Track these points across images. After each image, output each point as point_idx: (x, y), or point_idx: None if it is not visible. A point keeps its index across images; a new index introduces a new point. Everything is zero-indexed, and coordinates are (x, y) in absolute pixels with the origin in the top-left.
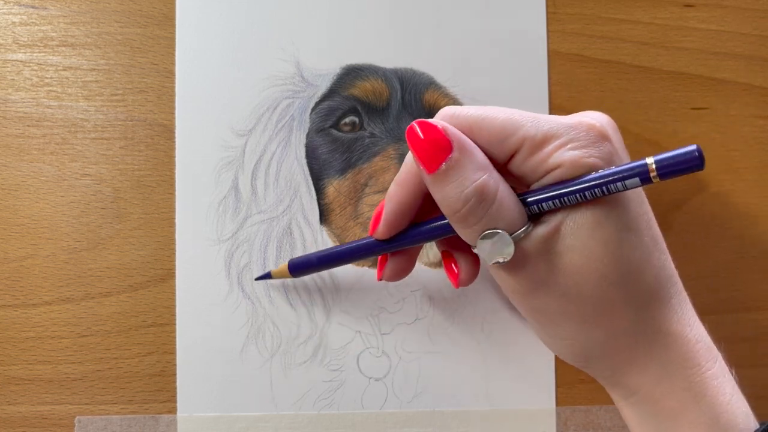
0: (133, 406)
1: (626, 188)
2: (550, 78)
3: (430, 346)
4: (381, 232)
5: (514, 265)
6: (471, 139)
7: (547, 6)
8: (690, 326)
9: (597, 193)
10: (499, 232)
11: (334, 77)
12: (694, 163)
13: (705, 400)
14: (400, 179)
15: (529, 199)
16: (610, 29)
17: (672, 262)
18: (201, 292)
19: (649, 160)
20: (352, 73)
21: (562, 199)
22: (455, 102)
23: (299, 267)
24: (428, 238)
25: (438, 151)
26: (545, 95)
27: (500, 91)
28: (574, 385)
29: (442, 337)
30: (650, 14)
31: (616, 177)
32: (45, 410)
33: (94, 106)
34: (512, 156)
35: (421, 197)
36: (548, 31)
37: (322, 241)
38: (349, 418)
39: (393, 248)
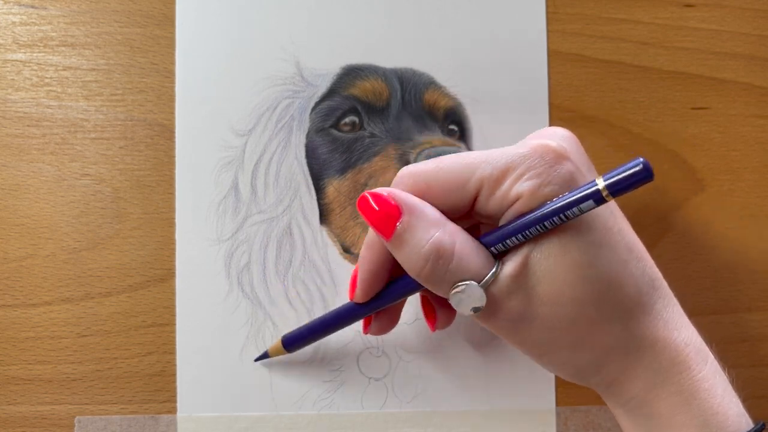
0: (132, 406)
1: (582, 212)
2: (550, 78)
3: (430, 346)
4: (359, 296)
5: (490, 310)
6: (431, 195)
7: (547, 6)
8: (677, 330)
9: (555, 221)
10: (467, 283)
11: (334, 77)
12: (641, 175)
13: (696, 402)
14: (368, 242)
15: (488, 240)
16: (610, 29)
17: (654, 266)
18: (201, 292)
19: (599, 180)
20: (352, 73)
21: (523, 233)
22: (455, 102)
23: (292, 341)
24: (405, 293)
25: (388, 218)
26: (545, 95)
27: (500, 91)
28: (574, 385)
29: (442, 337)
30: (650, 14)
31: (570, 203)
32: (45, 410)
33: (93, 106)
34: (476, 199)
35: (390, 256)
36: (548, 31)
37: (322, 241)
38: (349, 418)
39: (374, 309)
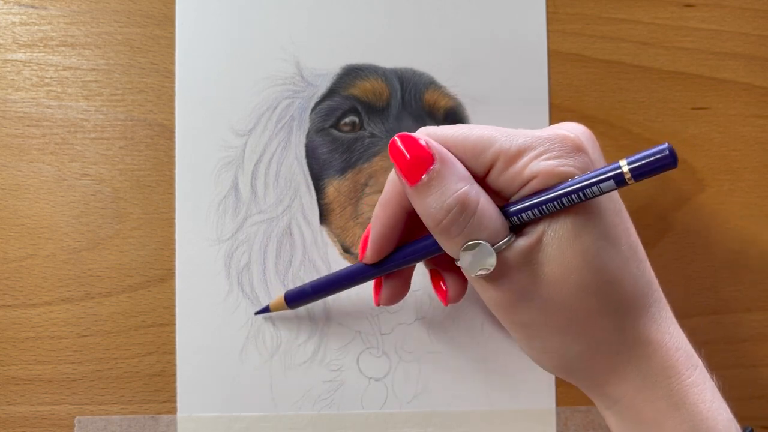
0: (132, 406)
1: (602, 192)
2: (550, 78)
3: (430, 346)
4: (369, 256)
5: (496, 276)
6: None
7: (547, 6)
8: (669, 334)
9: (574, 199)
10: (480, 243)
11: (334, 77)
12: (666, 161)
13: (685, 407)
14: (383, 200)
15: (510, 210)
16: (610, 29)
17: (651, 271)
18: (201, 292)
19: (623, 162)
20: (352, 73)
21: (540, 208)
22: (455, 102)
23: (295, 298)
24: (416, 258)
25: (419, 163)
26: (545, 95)
27: (500, 91)
28: (574, 386)
29: (442, 337)
30: (650, 14)
31: (591, 182)
32: (45, 410)
33: (93, 106)
34: (489, 171)
35: (404, 217)
36: (548, 31)
37: (322, 241)
38: (349, 418)
39: (383, 271)
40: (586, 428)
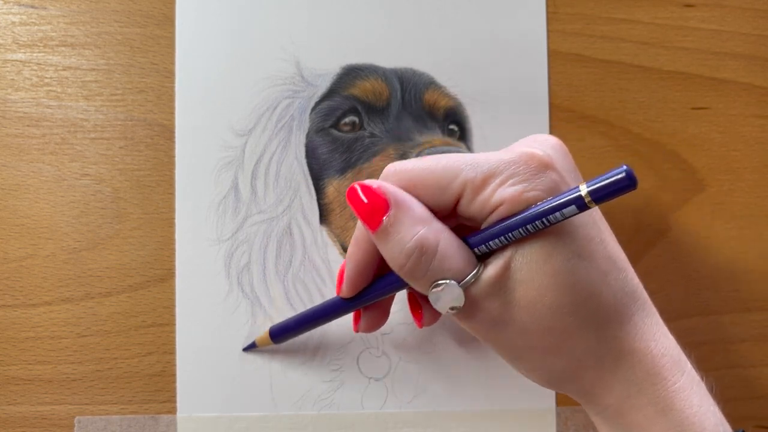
0: (132, 406)
1: (565, 217)
2: (550, 78)
3: (430, 346)
4: (345, 291)
5: (468, 310)
6: (414, 193)
7: (547, 6)
8: (655, 341)
9: (538, 225)
10: (447, 282)
11: (334, 77)
12: (623, 183)
13: (672, 413)
14: (355, 238)
15: (473, 240)
16: (610, 29)
17: (635, 278)
18: (201, 292)
19: (582, 187)
20: (352, 73)
21: (506, 235)
22: (455, 102)
23: (279, 332)
24: (390, 290)
25: (376, 209)
26: (545, 95)
27: (500, 91)
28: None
29: (442, 337)
30: (650, 14)
31: (553, 206)
32: (45, 410)
33: (93, 106)
34: (458, 201)
35: (377, 253)
36: (548, 31)
37: (322, 241)
38: (349, 418)
39: (359, 305)
40: (586, 428)
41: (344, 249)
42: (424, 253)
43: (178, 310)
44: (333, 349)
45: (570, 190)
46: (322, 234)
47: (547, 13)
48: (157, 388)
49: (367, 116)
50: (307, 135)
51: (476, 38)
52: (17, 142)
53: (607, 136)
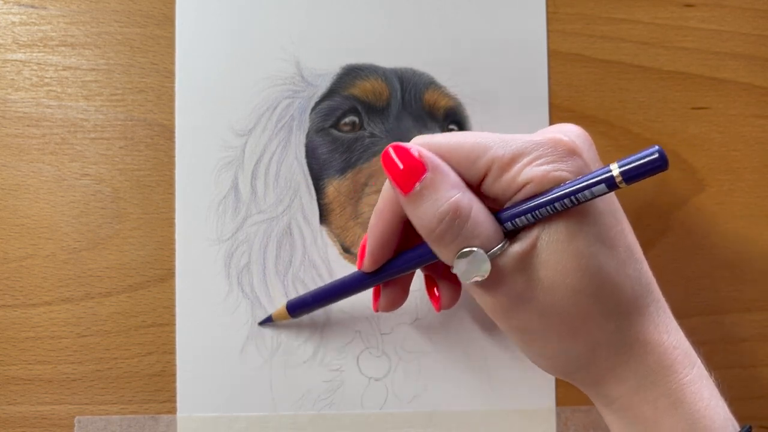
0: (132, 406)
1: (594, 195)
2: (550, 78)
3: (430, 346)
4: (367, 265)
5: (491, 282)
6: None
7: (547, 6)
8: (668, 333)
9: (566, 203)
10: (474, 250)
11: (334, 77)
12: (656, 164)
13: (683, 406)
14: (378, 210)
15: (504, 215)
16: (610, 29)
17: (649, 271)
18: (201, 292)
19: (613, 166)
20: (352, 73)
21: (533, 213)
22: (455, 102)
23: (296, 307)
24: (413, 265)
25: (412, 172)
26: (545, 95)
27: (500, 91)
28: (574, 386)
29: (442, 337)
30: (650, 14)
31: (583, 186)
32: (45, 410)
33: (93, 106)
34: (483, 178)
35: (400, 225)
36: (548, 31)
37: (322, 241)
38: (349, 418)
39: (381, 280)
40: (586, 428)
41: (344, 249)
42: (457, 216)
43: (178, 310)
44: (333, 349)
45: (601, 170)
46: (322, 234)
47: (547, 13)
48: (157, 388)
49: (367, 116)
50: (307, 135)
51: (476, 38)
52: (17, 142)
53: (607, 136)
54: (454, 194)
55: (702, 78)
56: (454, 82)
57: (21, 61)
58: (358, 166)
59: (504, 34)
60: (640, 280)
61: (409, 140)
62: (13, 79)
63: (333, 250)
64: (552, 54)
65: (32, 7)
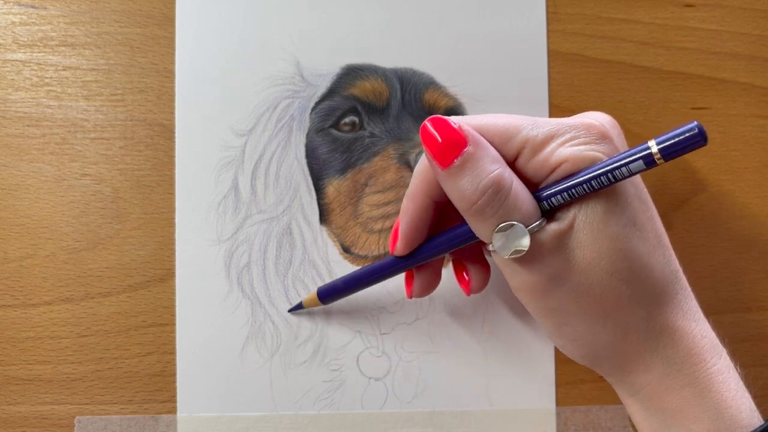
0: (132, 406)
1: (631, 173)
2: (550, 78)
3: (430, 346)
4: (400, 248)
5: (530, 258)
6: None
7: (547, 6)
8: (696, 322)
9: (603, 181)
10: (514, 224)
11: (334, 77)
12: (695, 139)
13: (710, 395)
14: (411, 193)
15: (542, 194)
16: (610, 29)
17: (676, 260)
18: (201, 292)
19: (651, 143)
20: (352, 73)
21: (570, 191)
22: (455, 102)
23: (328, 293)
24: (447, 248)
25: (452, 146)
26: (545, 95)
27: (500, 91)
28: (574, 385)
29: (442, 337)
30: (650, 14)
31: (621, 163)
32: (45, 410)
33: (93, 106)
34: (516, 158)
35: (433, 208)
36: (548, 31)
37: (322, 241)
38: (349, 418)
39: (414, 263)
40: (586, 428)
41: (344, 249)
42: (499, 189)
43: (178, 310)
44: (333, 349)
45: (639, 147)
46: (322, 234)
47: (547, 13)
48: (157, 388)
49: (367, 116)
50: (307, 135)
51: (476, 38)
52: (17, 142)
53: None
54: (495, 168)
55: (702, 78)
56: (454, 82)
57: (21, 61)
58: (358, 166)
59: (504, 35)
60: (669, 266)
61: (409, 140)
62: (13, 79)
63: (333, 250)
64: (552, 54)
65: (32, 7)
